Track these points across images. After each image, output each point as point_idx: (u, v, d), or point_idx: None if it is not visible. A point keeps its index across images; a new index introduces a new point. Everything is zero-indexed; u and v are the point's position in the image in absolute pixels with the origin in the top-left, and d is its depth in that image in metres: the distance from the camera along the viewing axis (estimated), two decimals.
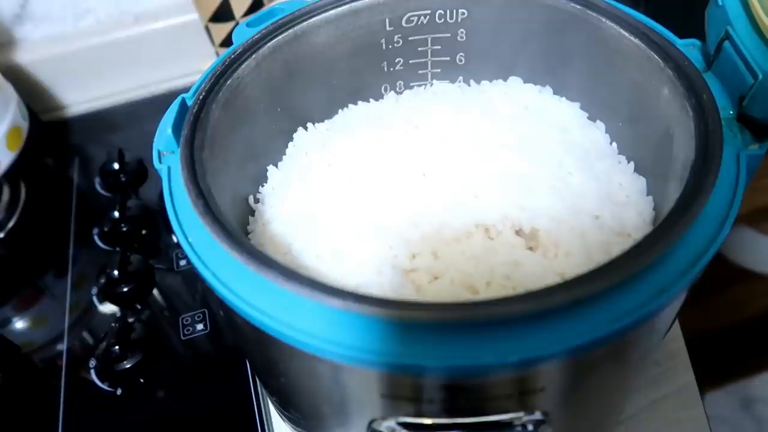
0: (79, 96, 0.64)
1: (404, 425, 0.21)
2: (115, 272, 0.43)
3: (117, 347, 0.38)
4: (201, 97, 0.27)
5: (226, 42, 0.59)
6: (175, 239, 0.47)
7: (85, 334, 0.42)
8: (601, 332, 0.18)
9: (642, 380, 0.29)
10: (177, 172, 0.24)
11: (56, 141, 0.61)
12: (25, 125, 0.51)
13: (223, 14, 0.56)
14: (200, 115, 0.26)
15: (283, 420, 0.33)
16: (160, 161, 0.25)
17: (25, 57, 0.61)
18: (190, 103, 0.27)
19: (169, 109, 0.27)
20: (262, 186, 0.31)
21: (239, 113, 0.29)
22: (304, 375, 0.22)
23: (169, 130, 0.25)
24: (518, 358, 0.18)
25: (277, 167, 0.32)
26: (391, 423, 0.22)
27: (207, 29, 0.59)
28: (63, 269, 0.47)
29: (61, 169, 0.57)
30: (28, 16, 0.61)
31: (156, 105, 0.63)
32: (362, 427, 0.23)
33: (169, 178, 0.24)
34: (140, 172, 0.54)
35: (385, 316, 0.18)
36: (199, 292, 0.43)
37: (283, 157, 0.33)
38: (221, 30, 0.58)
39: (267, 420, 0.36)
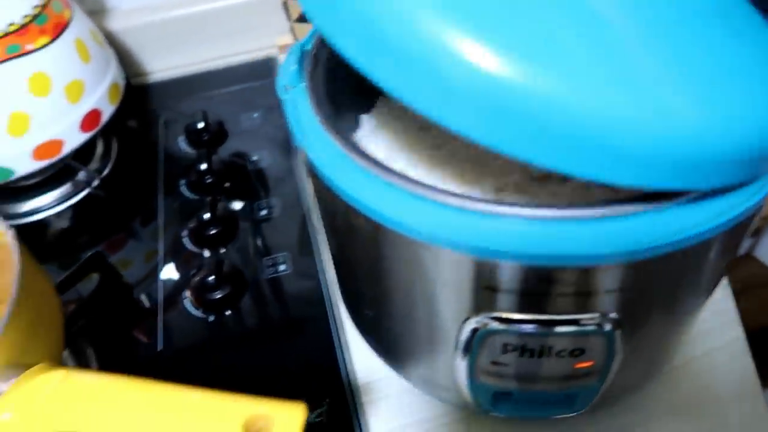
0: (163, 63, 0.69)
1: (496, 319, 0.25)
2: (206, 216, 0.47)
3: (212, 278, 0.43)
4: (317, 42, 0.30)
5: (302, 18, 0.63)
6: (239, 209, 0.51)
7: (178, 270, 0.47)
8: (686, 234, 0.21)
9: (698, 313, 0.31)
10: (301, 101, 0.28)
11: (141, 103, 0.65)
12: (122, 83, 0.56)
13: None
14: (318, 57, 0.30)
15: (370, 346, 0.37)
16: (285, 93, 0.29)
17: (115, 25, 0.66)
18: (308, 48, 0.31)
19: (290, 51, 0.30)
20: (356, 132, 0.35)
21: (341, 62, 0.32)
22: (413, 272, 0.25)
23: (295, 66, 0.29)
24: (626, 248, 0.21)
25: (369, 115, 0.36)
26: (482, 318, 0.25)
27: (284, 5, 0.63)
28: (154, 213, 0.52)
29: (147, 128, 0.62)
30: None
31: (231, 75, 0.68)
32: (455, 325, 0.26)
33: (295, 106, 0.28)
34: (221, 132, 0.58)
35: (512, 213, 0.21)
36: (280, 236, 0.48)
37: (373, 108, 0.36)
38: (299, 6, 0.62)
39: (344, 345, 0.40)
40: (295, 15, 0.63)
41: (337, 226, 0.29)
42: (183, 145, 0.58)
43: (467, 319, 0.26)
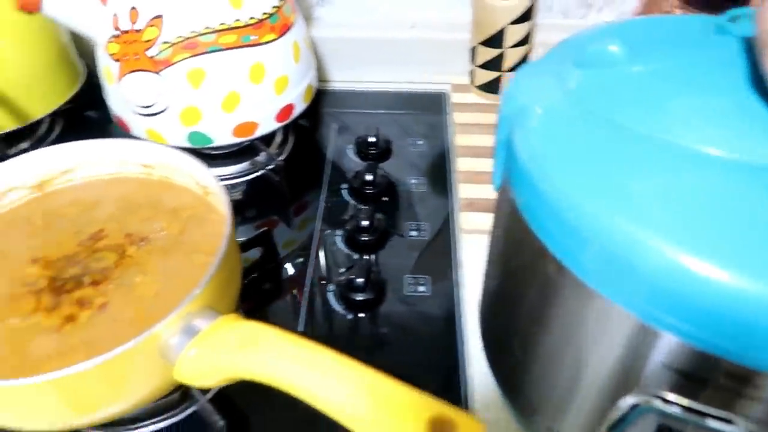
0: (345, 75, 0.75)
1: (663, 400, 0.25)
2: (364, 222, 0.51)
3: (361, 280, 0.46)
4: None
5: (485, 65, 0.67)
6: (392, 224, 0.54)
7: (326, 263, 0.51)
8: None
9: None
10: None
11: (317, 106, 0.71)
12: (315, 85, 0.62)
13: (495, 41, 0.64)
14: None
15: (500, 386, 0.38)
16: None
17: (315, 33, 0.73)
18: None
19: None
20: None
21: None
22: (589, 327, 0.26)
23: None
24: None
25: None
26: (647, 395, 0.26)
27: (473, 50, 0.67)
28: (315, 207, 0.56)
29: (318, 129, 0.68)
30: (329, 1, 0.73)
31: (404, 100, 0.73)
32: (612, 395, 0.27)
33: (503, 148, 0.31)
34: (387, 150, 0.63)
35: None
36: (424, 259, 0.50)
37: None
38: (486, 53, 0.65)
39: (468, 377, 0.41)
40: (480, 61, 0.67)
41: (517, 259, 0.31)
42: (351, 153, 0.63)
43: (629, 392, 0.26)
